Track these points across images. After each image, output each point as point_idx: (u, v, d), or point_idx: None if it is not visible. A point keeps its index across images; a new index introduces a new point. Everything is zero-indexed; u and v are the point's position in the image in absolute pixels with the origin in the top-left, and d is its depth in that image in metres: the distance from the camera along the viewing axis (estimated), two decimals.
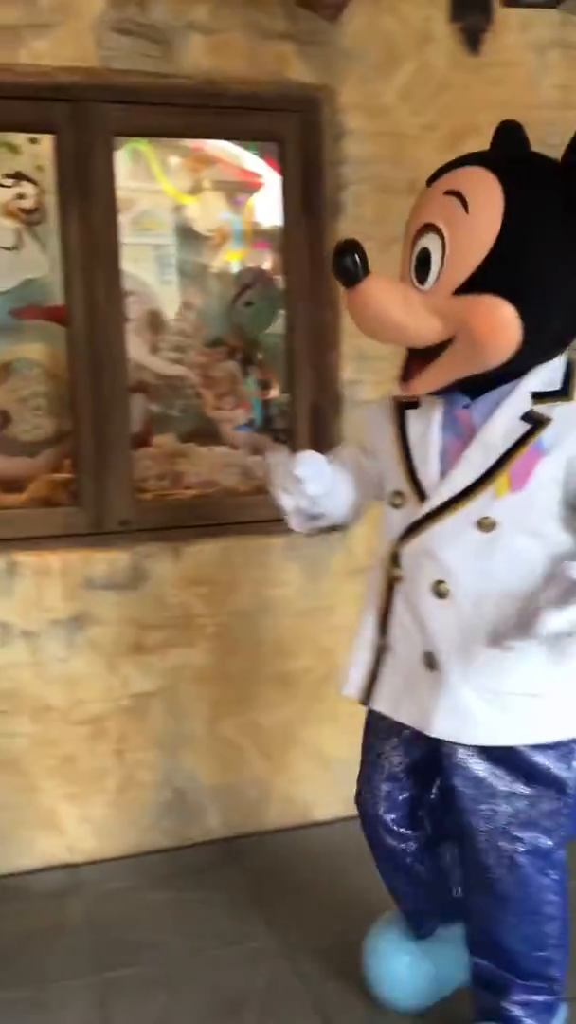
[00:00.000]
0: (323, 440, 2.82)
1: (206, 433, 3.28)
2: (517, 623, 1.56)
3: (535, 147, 3.03)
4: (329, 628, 2.82)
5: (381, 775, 1.90)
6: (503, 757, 1.70)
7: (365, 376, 2.77)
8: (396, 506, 1.77)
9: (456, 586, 1.66)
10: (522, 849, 1.72)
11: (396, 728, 1.84)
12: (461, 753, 1.72)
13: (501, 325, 1.54)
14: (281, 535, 2.65)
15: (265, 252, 3.66)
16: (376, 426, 1.87)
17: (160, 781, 2.73)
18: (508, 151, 1.74)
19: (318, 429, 2.85)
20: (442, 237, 1.58)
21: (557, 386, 1.64)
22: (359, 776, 1.95)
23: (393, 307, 1.61)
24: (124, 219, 2.87)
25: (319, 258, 2.78)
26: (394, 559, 1.75)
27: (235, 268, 3.66)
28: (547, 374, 1.65)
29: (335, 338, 2.78)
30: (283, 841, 2.71)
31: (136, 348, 3.07)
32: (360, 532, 2.80)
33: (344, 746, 2.89)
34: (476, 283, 1.55)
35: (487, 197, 1.55)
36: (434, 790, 1.91)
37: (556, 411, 1.60)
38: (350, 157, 2.70)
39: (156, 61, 2.53)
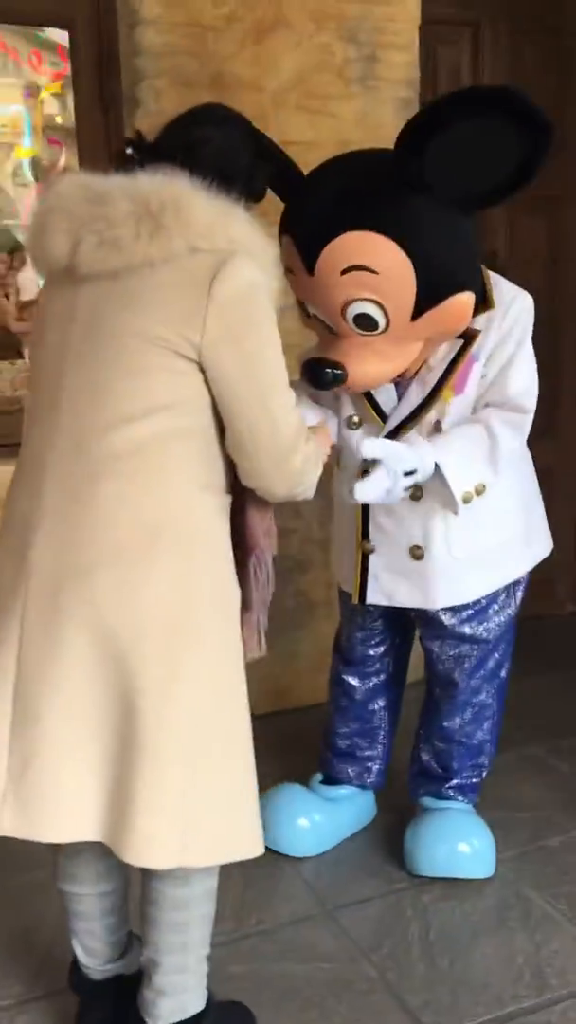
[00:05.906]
0: None
1: (7, 346, 3.10)
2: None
3: (341, 42, 2.88)
4: None
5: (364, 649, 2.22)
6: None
7: None
8: (353, 428, 1.99)
9: (427, 484, 1.89)
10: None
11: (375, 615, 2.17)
12: (449, 617, 2.06)
13: (468, 309, 1.79)
14: None
15: (59, 149, 3.44)
16: None
17: None
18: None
19: None
20: (375, 301, 1.71)
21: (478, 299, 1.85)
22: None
23: (381, 371, 1.82)
24: None
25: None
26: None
27: (27, 167, 3.43)
28: None
29: None
30: None
31: None
32: None
33: None
34: (424, 303, 1.73)
35: (378, 251, 1.68)
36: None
37: (479, 321, 1.87)
38: (147, 48, 2.52)
39: None
